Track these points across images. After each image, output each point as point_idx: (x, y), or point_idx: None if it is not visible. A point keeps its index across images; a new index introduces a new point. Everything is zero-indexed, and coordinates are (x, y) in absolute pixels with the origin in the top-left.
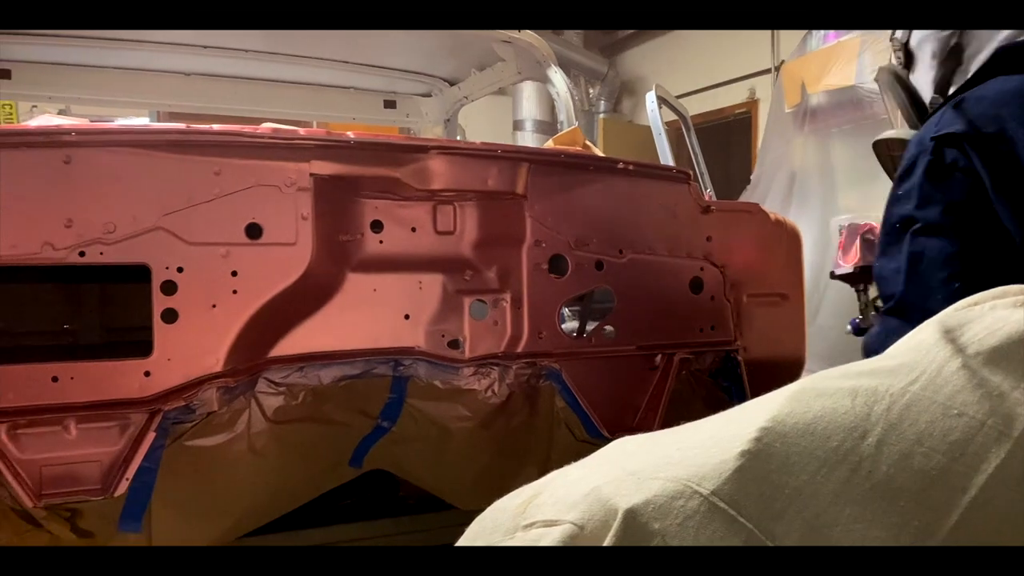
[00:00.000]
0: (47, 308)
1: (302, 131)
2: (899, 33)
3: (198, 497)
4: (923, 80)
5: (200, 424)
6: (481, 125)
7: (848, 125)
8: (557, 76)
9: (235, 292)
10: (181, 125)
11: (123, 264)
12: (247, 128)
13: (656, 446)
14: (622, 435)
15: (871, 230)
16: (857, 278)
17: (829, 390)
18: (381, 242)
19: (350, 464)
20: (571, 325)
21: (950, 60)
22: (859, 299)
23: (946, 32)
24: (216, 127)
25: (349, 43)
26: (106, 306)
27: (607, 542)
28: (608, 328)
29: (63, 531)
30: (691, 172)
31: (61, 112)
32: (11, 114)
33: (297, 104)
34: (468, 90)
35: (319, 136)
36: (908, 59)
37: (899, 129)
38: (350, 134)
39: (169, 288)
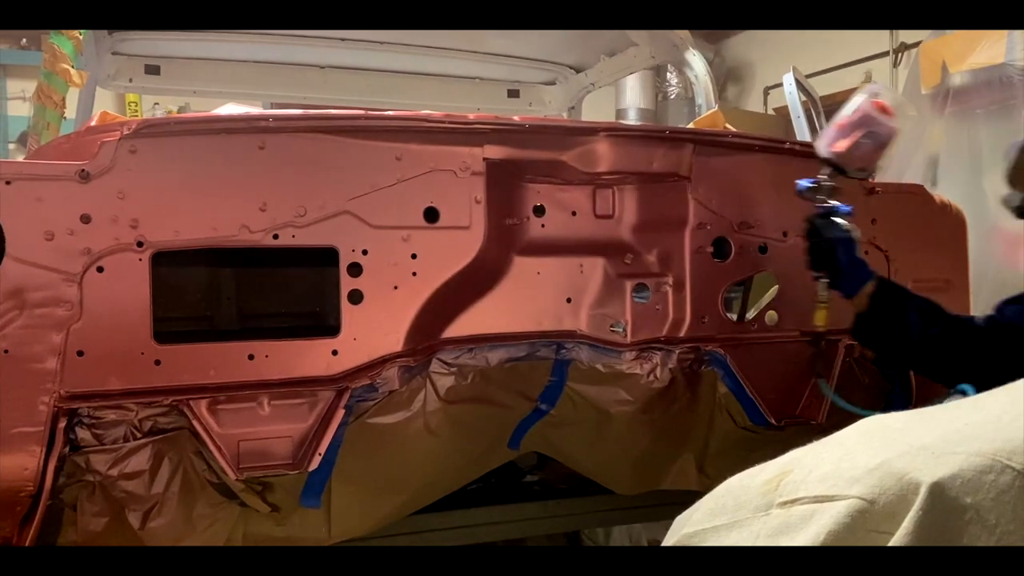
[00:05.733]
0: (200, 291)
1: (472, 116)
2: None
3: (376, 474)
4: None
5: (381, 402)
6: (583, 114)
7: (995, 106)
8: (696, 59)
9: (415, 274)
10: (361, 111)
11: (313, 247)
12: (424, 113)
13: (935, 422)
14: (786, 422)
15: None
16: None
17: None
18: (543, 226)
19: (508, 446)
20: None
21: None
22: None
23: None
24: (395, 113)
25: (475, 33)
26: (240, 292)
27: (910, 517)
28: (771, 314)
29: (257, 503)
30: None
31: (181, 109)
32: (136, 111)
33: (421, 95)
34: (596, 77)
35: (493, 120)
36: None
37: None
38: (516, 118)
39: (355, 270)
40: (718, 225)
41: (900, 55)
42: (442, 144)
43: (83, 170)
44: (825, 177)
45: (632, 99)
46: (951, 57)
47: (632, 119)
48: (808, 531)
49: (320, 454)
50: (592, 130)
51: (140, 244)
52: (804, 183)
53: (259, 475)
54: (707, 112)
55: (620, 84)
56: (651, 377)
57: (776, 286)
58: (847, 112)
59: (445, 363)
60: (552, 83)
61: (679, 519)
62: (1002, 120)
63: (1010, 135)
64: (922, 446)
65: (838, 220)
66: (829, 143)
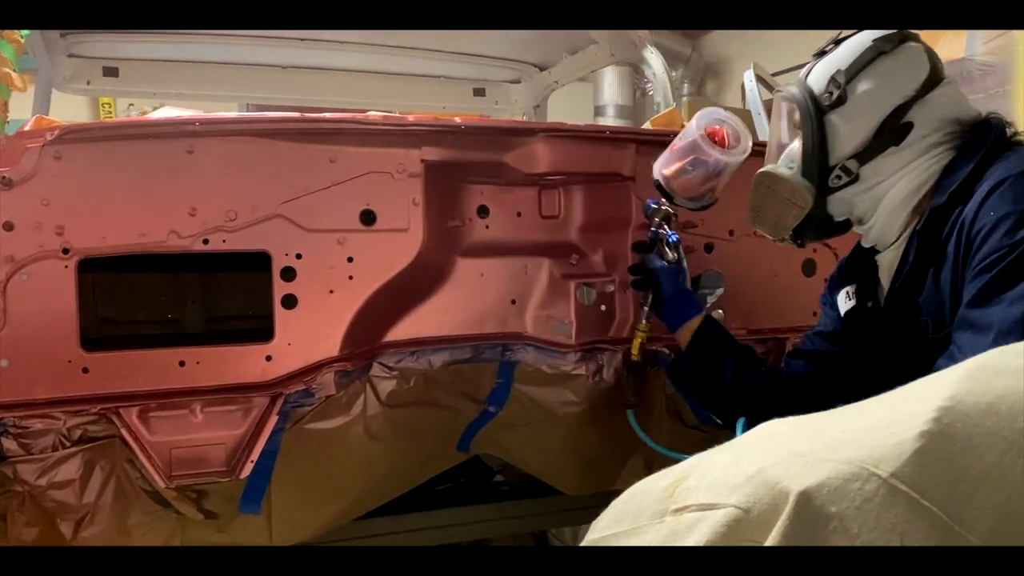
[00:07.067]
0: (156, 297)
1: (411, 117)
2: None
3: (317, 479)
4: None
5: (319, 408)
6: (562, 111)
7: None
8: (654, 57)
9: (351, 278)
10: (296, 114)
11: (244, 251)
12: (360, 115)
13: (818, 428)
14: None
15: None
16: None
17: (1009, 368)
18: (487, 227)
19: (458, 449)
20: None
21: None
22: None
23: None
24: (329, 115)
25: (440, 32)
26: (207, 295)
27: (777, 526)
28: (718, 312)
29: (191, 511)
30: None
31: (155, 109)
32: (110, 112)
33: (387, 94)
34: (559, 75)
35: (430, 122)
36: None
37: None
38: (458, 119)
39: (288, 274)
40: None
41: None
42: (378, 146)
43: (4, 177)
44: (664, 202)
45: (610, 96)
46: None
47: (611, 116)
48: (690, 540)
49: (252, 461)
50: (531, 131)
51: (66, 251)
52: (651, 204)
53: (191, 483)
54: (664, 110)
55: (598, 81)
56: (597, 378)
57: (722, 286)
58: (679, 136)
59: (387, 367)
60: (517, 81)
61: (592, 524)
62: None
63: None
64: (799, 453)
65: (665, 248)
66: (661, 164)
